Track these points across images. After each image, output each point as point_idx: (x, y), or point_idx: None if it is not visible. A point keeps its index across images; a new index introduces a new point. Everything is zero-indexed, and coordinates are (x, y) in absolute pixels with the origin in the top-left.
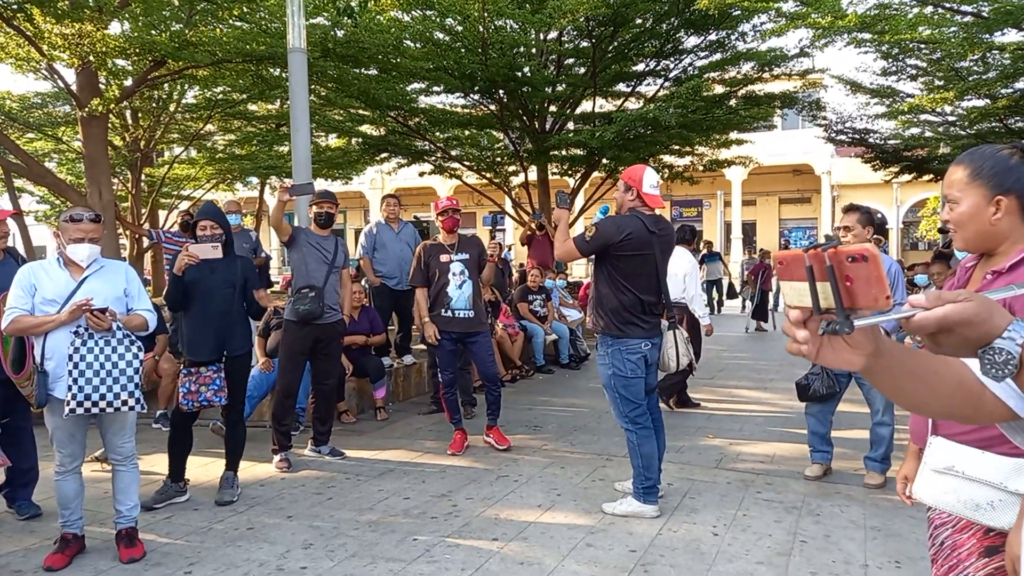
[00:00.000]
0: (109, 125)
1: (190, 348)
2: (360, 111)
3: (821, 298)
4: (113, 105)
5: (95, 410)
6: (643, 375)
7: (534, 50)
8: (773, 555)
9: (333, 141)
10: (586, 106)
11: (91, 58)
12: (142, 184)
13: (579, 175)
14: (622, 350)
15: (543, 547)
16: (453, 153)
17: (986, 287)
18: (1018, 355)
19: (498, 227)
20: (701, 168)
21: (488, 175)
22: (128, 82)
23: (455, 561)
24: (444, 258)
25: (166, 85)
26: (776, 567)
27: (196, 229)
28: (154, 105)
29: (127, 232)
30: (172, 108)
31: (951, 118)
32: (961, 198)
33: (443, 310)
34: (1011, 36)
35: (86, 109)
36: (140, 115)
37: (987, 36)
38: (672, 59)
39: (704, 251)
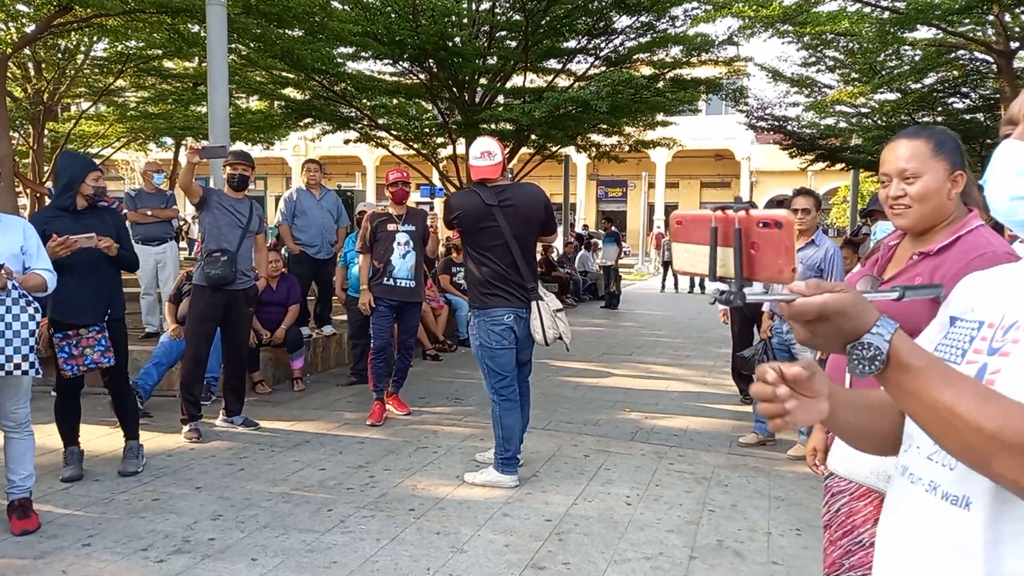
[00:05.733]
0: (9, 75)
1: (70, 310)
2: (284, 73)
3: (719, 264)
4: (10, 51)
5: None
6: (511, 347)
7: (466, 20)
8: (683, 524)
9: (255, 104)
10: (517, 81)
11: None
12: (45, 140)
13: (507, 150)
14: (486, 321)
15: (460, 517)
16: (380, 122)
17: (911, 268)
18: (886, 350)
19: (436, 197)
20: (627, 148)
21: (416, 146)
22: (30, 28)
23: (370, 531)
24: (391, 227)
25: (73, 34)
26: (685, 535)
27: None
28: (59, 56)
29: (27, 190)
30: (79, 60)
31: (864, 110)
32: (923, 171)
33: (386, 278)
34: (922, 33)
35: None
36: (44, 66)
37: (901, 31)
38: (603, 38)
39: (603, 231)
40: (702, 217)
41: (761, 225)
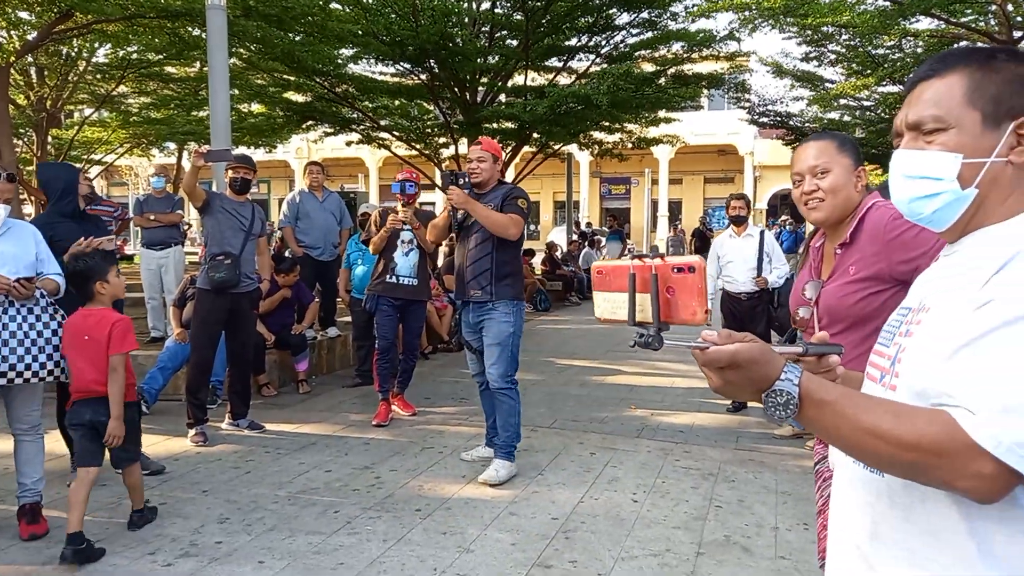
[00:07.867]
0: (11, 82)
1: None
2: (285, 76)
3: (638, 310)
4: (12, 59)
5: (19, 381)
6: None
7: (466, 19)
8: (690, 520)
9: (256, 108)
10: (518, 79)
11: None
12: (48, 146)
13: (510, 149)
14: (520, 310)
15: (466, 517)
16: (382, 123)
17: (840, 262)
18: (796, 393)
19: (407, 193)
20: (630, 145)
21: (418, 146)
22: (32, 36)
23: (377, 532)
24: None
25: (74, 41)
26: (692, 531)
27: None
28: (61, 62)
29: (32, 198)
30: (81, 66)
31: (867, 103)
32: (832, 166)
33: (388, 276)
34: (924, 23)
35: None
36: (46, 72)
37: (901, 20)
38: (604, 35)
39: (607, 229)
40: (621, 267)
41: (676, 271)
